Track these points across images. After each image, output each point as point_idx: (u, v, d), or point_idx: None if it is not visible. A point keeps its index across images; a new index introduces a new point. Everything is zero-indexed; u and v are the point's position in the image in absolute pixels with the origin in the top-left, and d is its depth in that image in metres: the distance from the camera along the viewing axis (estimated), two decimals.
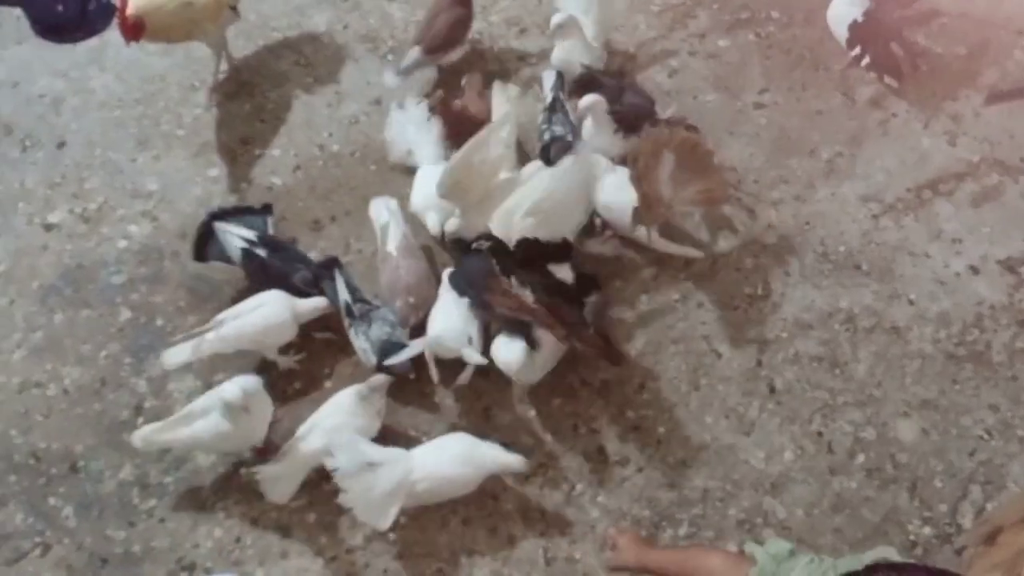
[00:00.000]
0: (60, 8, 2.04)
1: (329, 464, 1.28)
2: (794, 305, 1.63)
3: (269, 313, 1.45)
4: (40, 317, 1.62)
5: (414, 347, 1.44)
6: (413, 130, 1.72)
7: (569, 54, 1.78)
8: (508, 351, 1.38)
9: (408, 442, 1.40)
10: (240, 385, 1.31)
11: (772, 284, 1.66)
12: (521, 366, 1.37)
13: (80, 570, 1.36)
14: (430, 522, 1.38)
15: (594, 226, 1.66)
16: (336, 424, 1.36)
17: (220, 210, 1.63)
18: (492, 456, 1.33)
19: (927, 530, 1.39)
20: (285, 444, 1.36)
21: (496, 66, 1.94)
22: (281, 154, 1.84)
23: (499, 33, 2.01)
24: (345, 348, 1.51)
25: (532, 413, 1.49)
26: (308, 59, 1.99)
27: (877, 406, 1.51)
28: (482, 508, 1.39)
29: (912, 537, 1.38)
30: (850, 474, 1.44)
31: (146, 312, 1.62)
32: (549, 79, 1.78)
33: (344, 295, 1.48)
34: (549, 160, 1.62)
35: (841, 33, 1.92)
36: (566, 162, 1.50)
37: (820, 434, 1.48)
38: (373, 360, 1.43)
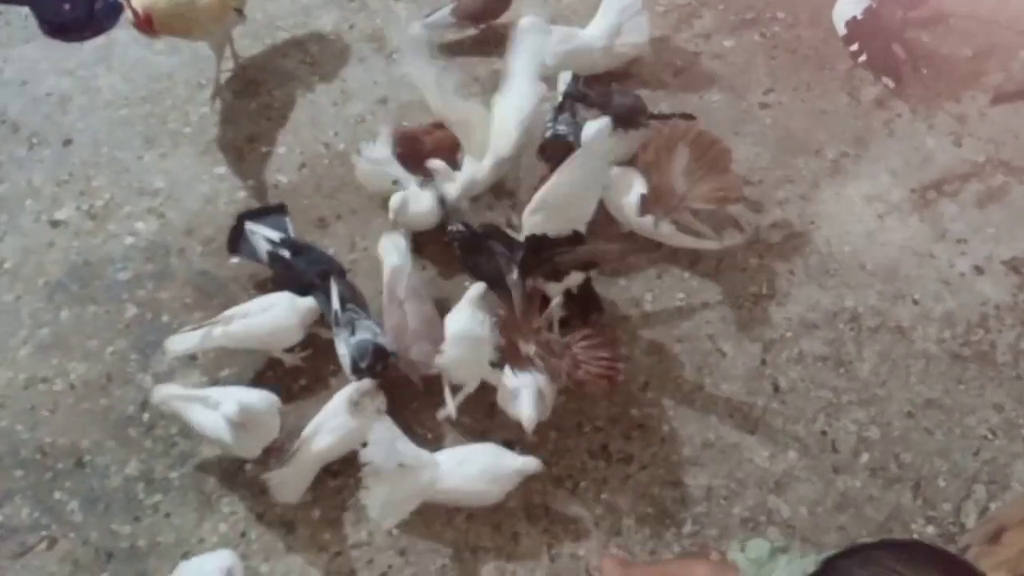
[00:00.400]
0: (67, 7, 2.05)
1: (362, 457, 1.27)
2: (799, 304, 1.63)
3: (278, 315, 1.45)
4: (46, 314, 1.63)
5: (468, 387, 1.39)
6: (387, 162, 1.67)
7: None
8: (521, 404, 1.34)
9: (414, 440, 1.40)
10: (239, 401, 1.30)
11: (777, 284, 1.66)
12: (534, 413, 1.34)
13: (86, 565, 1.37)
14: (435, 518, 1.39)
15: (608, 217, 1.63)
16: (338, 424, 1.36)
17: (249, 211, 1.64)
18: (515, 468, 1.33)
19: (931, 529, 1.39)
20: (292, 444, 1.36)
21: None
22: (287, 152, 1.85)
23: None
24: None
25: None
26: (314, 58, 2.00)
27: (881, 405, 1.51)
28: (486, 506, 1.39)
29: (916, 536, 1.38)
30: (854, 473, 1.44)
31: (152, 309, 1.62)
32: (565, 79, 1.77)
33: (335, 304, 1.46)
34: (546, 158, 1.62)
35: (843, 31, 1.93)
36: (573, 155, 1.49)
37: (824, 433, 1.49)
38: (349, 365, 1.41)
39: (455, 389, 1.45)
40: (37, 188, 1.80)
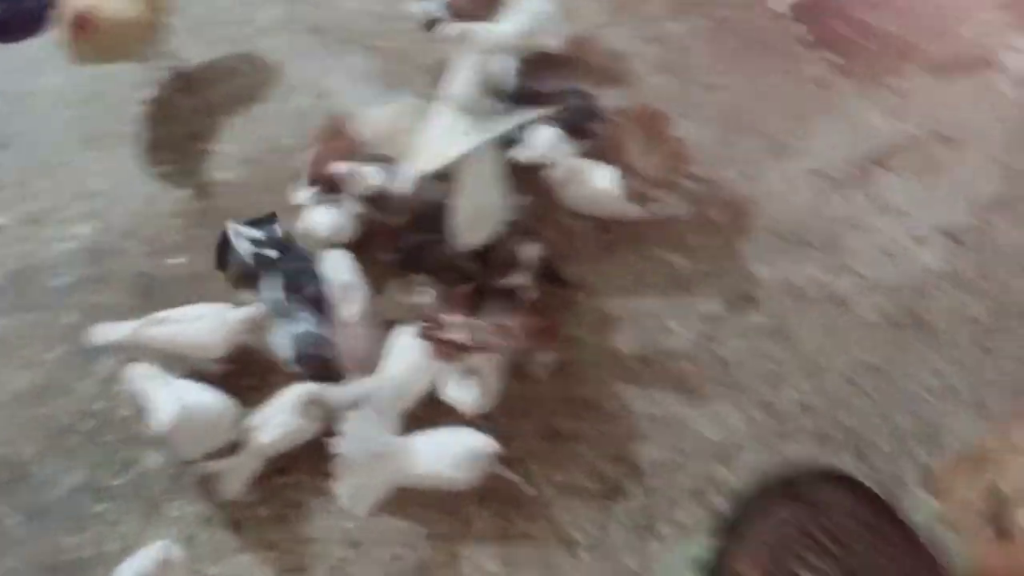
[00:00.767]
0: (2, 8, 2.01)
1: (335, 448, 1.25)
2: (744, 280, 1.65)
3: (202, 328, 1.42)
4: None
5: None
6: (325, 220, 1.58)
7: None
8: (460, 393, 1.36)
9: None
10: (180, 403, 1.29)
11: (722, 261, 1.68)
12: (475, 401, 1.35)
13: None
14: (385, 507, 1.37)
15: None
16: (284, 420, 1.34)
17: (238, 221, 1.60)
18: (489, 452, 1.31)
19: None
20: (236, 436, 1.35)
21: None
22: (230, 149, 1.83)
23: None
24: None
25: None
26: (256, 53, 1.97)
27: (823, 375, 1.54)
28: (439, 491, 1.39)
29: None
30: (798, 439, 1.46)
31: (92, 314, 1.59)
32: (505, 66, 1.72)
33: (278, 293, 1.44)
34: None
35: (788, 11, 1.96)
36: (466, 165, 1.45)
37: (768, 403, 1.51)
38: (290, 355, 1.38)
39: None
40: None
